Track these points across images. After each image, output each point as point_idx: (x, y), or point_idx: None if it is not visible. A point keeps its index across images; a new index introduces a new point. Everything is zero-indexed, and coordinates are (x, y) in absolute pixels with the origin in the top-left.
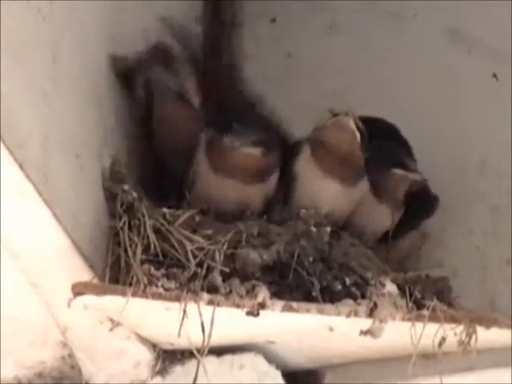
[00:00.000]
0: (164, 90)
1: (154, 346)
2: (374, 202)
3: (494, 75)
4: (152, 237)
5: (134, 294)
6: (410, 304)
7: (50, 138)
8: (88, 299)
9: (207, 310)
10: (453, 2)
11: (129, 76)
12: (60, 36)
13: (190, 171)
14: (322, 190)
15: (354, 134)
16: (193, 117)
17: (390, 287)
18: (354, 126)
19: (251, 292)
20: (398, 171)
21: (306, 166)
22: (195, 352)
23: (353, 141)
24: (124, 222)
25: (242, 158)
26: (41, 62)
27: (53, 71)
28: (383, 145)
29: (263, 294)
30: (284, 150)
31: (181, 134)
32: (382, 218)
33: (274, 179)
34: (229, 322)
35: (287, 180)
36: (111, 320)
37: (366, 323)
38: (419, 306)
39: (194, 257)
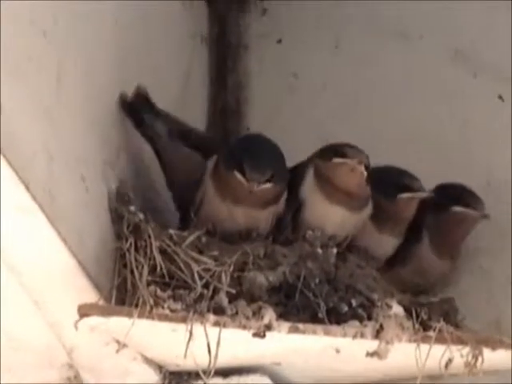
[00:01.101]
0: (156, 134)
1: (160, 367)
2: (374, 231)
3: (500, 96)
4: (158, 258)
5: (140, 316)
6: (417, 325)
7: (54, 158)
8: (94, 320)
9: (213, 332)
10: (458, 23)
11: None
12: (64, 56)
13: (197, 195)
14: (328, 215)
15: (362, 177)
16: (187, 155)
17: (397, 309)
18: (364, 171)
19: (257, 313)
20: (405, 195)
21: (311, 194)
22: (201, 374)
23: (361, 183)
24: (130, 244)
25: (255, 192)
26: (45, 83)
27: (57, 92)
28: (381, 173)
29: (269, 315)
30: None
31: (180, 171)
32: (382, 247)
33: (283, 201)
34: (235, 343)
35: (293, 204)
36: (117, 341)
37: (372, 345)
38: (425, 327)
39: (201, 278)
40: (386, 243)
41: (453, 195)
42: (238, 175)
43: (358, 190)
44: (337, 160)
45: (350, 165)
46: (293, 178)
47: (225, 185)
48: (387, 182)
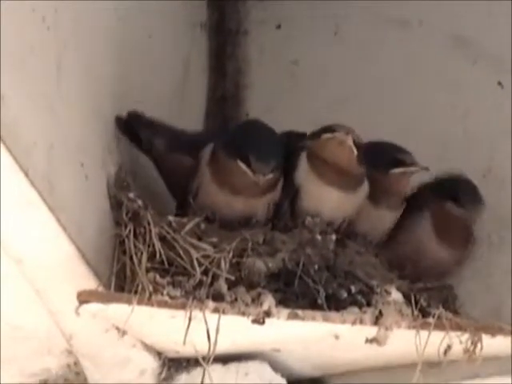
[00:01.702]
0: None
1: (159, 353)
2: (371, 207)
3: (499, 83)
4: (157, 245)
5: (140, 302)
6: (416, 312)
7: (54, 146)
8: (93, 307)
9: (213, 318)
10: (458, 10)
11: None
12: (64, 45)
13: (193, 183)
14: (324, 199)
15: (351, 151)
16: (186, 165)
17: (396, 295)
18: (352, 144)
19: (257, 300)
20: (397, 170)
21: (306, 179)
22: (201, 360)
23: (350, 157)
24: (129, 230)
25: (257, 182)
26: (45, 71)
27: (57, 80)
28: (373, 148)
29: (269, 301)
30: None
31: (179, 180)
32: (380, 222)
33: (279, 187)
34: (234, 329)
35: (290, 190)
36: (117, 328)
37: (371, 331)
38: (425, 314)
39: (200, 265)
40: (384, 218)
41: (450, 189)
42: (243, 166)
43: (349, 165)
44: (325, 136)
45: (338, 138)
46: (287, 163)
47: (223, 174)
48: (380, 157)
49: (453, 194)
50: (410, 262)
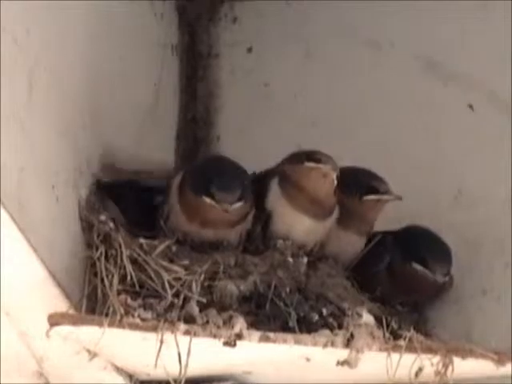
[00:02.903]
0: None
1: (130, 376)
2: (340, 231)
3: (470, 106)
4: (129, 267)
5: (111, 325)
6: (387, 334)
7: (25, 167)
8: (64, 329)
9: (184, 341)
10: (429, 32)
11: None
12: (36, 65)
13: (165, 207)
14: (295, 225)
15: (333, 185)
16: None
17: (367, 318)
18: (335, 178)
19: (228, 322)
20: (370, 197)
21: (277, 204)
22: (172, 383)
23: (330, 190)
24: (101, 253)
25: (225, 211)
26: (16, 91)
27: (28, 101)
28: (348, 173)
29: (240, 324)
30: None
31: None
32: (349, 245)
33: (250, 217)
34: (206, 352)
35: (261, 216)
36: (88, 350)
37: (342, 353)
38: (396, 336)
39: (171, 287)
40: (353, 242)
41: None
42: (208, 200)
43: (326, 197)
44: (309, 164)
45: (324, 171)
46: (258, 188)
47: (193, 208)
48: (354, 183)
49: (420, 254)
50: None
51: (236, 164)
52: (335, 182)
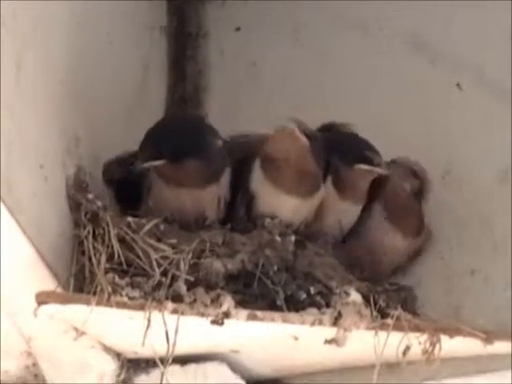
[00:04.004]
0: None
1: (118, 355)
2: (336, 198)
3: (458, 85)
4: (116, 246)
5: (98, 303)
6: (375, 313)
7: (13, 147)
8: (52, 308)
9: (172, 319)
10: (416, 13)
11: None
12: (24, 48)
13: (146, 183)
14: (281, 206)
15: (302, 142)
16: None
17: (355, 296)
18: (300, 134)
19: (216, 301)
20: (363, 166)
21: (261, 186)
22: (158, 362)
23: (303, 150)
24: (88, 231)
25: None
26: (4, 73)
27: (16, 82)
28: (345, 140)
29: (228, 303)
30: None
31: None
32: (346, 213)
33: (224, 182)
34: (193, 331)
35: (246, 197)
36: (75, 329)
37: (330, 332)
38: (384, 315)
39: (159, 266)
40: (349, 210)
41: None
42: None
43: (303, 161)
44: (275, 133)
45: (285, 130)
46: (242, 170)
47: (164, 172)
48: (349, 150)
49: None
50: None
51: (185, 119)
52: (304, 139)
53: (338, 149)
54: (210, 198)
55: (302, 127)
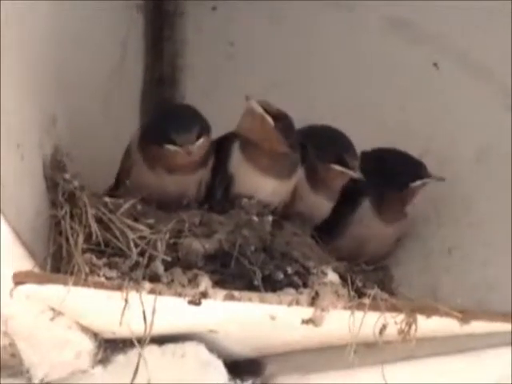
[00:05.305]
0: None
1: (95, 335)
2: (310, 193)
3: (435, 64)
4: (94, 226)
5: (76, 283)
6: (352, 293)
7: None
8: (29, 288)
9: (149, 299)
10: None
11: None
12: (3, 28)
13: (126, 164)
14: (259, 187)
15: (263, 119)
16: None
17: (332, 276)
18: (260, 108)
19: (193, 281)
20: (337, 167)
21: (239, 168)
22: (135, 342)
23: (268, 131)
24: (65, 211)
25: (189, 153)
26: None
27: None
28: (328, 136)
29: (205, 283)
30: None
31: None
32: (318, 207)
33: (210, 164)
34: (171, 311)
35: (224, 178)
36: (52, 309)
37: (307, 312)
38: (360, 295)
39: (136, 246)
40: (321, 205)
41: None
42: (171, 147)
43: (273, 143)
44: (243, 116)
45: (247, 109)
46: (220, 151)
47: (157, 158)
48: (328, 148)
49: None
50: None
51: (187, 106)
52: (266, 116)
53: (318, 143)
54: (196, 181)
55: (269, 108)
